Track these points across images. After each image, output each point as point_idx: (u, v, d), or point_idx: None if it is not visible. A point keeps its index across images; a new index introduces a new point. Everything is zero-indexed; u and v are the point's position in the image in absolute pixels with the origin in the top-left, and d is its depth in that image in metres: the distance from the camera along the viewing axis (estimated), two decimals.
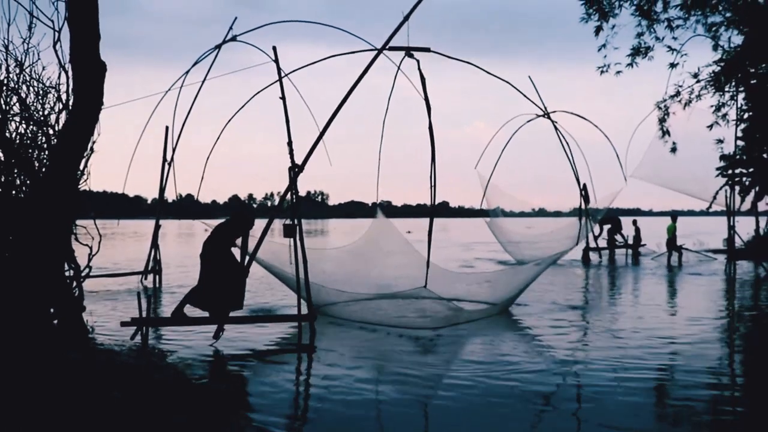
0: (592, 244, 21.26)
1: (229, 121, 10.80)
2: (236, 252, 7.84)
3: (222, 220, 8.09)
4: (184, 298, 7.69)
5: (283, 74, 8.59)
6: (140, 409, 4.58)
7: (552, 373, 6.12)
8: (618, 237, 22.48)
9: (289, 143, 8.12)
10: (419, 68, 9.00)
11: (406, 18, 8.67)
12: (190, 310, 7.71)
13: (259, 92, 10.25)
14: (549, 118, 13.61)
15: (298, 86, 10.26)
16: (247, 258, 7.85)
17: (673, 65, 13.23)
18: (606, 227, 22.50)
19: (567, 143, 14.69)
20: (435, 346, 7.49)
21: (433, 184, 9.17)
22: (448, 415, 4.98)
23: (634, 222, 22.50)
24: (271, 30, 10.52)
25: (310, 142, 8.34)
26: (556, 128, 13.49)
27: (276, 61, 8.62)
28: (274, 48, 8.68)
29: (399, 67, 9.41)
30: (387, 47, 8.64)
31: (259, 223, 8.62)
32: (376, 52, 8.75)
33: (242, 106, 10.55)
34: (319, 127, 8.50)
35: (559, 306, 10.47)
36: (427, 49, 8.95)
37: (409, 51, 8.83)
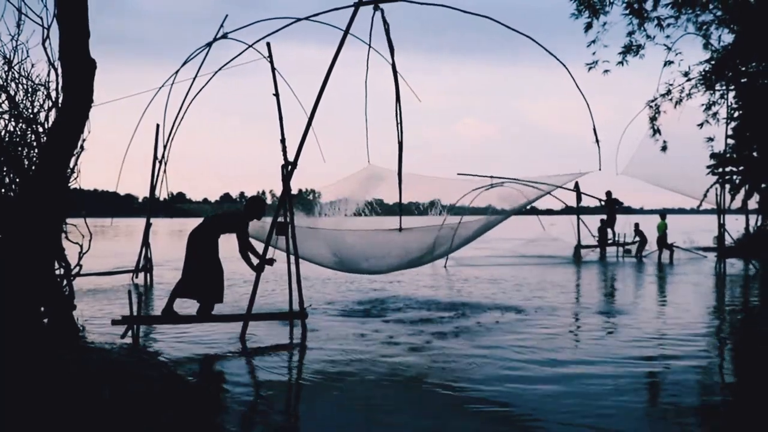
0: (584, 242, 21.32)
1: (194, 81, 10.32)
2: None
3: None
4: (171, 294, 7.68)
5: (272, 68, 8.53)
6: (130, 410, 4.54)
7: (541, 375, 6.12)
8: (610, 232, 22.38)
9: (282, 140, 8.09)
10: (383, 17, 8.30)
11: None
12: (180, 306, 7.66)
13: (234, 58, 9.98)
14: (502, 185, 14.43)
15: (291, 86, 10.18)
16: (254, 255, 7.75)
17: (668, 63, 13.32)
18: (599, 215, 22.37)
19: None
20: (424, 345, 7.49)
21: (399, 127, 8.84)
22: (441, 415, 4.98)
23: (636, 225, 22.25)
24: (261, 28, 10.42)
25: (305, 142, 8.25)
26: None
27: (270, 57, 8.58)
28: (268, 44, 8.63)
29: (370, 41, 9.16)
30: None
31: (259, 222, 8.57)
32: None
33: (218, 70, 10.16)
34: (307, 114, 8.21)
35: (547, 305, 10.48)
36: None
37: (377, 2, 8.42)
